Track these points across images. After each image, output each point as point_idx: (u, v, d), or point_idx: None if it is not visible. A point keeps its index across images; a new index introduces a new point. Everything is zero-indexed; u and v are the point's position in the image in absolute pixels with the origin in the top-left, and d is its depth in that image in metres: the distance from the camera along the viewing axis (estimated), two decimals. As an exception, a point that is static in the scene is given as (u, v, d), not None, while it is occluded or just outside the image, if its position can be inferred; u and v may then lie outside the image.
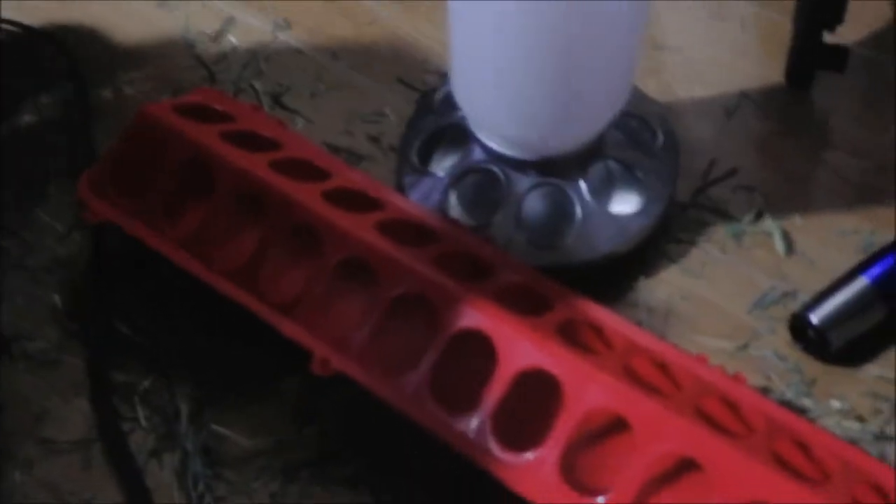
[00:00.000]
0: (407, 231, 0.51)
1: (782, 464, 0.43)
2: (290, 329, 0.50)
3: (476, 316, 0.47)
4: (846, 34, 0.60)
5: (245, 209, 0.52)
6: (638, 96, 0.58)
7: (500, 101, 0.51)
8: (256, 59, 0.65)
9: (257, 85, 0.64)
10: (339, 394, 0.51)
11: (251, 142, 0.54)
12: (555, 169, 0.54)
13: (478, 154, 0.55)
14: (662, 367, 0.48)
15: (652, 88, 0.61)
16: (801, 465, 0.45)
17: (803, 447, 0.45)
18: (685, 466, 0.45)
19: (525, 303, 0.48)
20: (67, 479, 0.50)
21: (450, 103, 0.56)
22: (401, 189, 0.57)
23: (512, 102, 0.51)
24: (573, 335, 0.48)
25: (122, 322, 0.55)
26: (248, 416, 0.52)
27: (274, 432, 0.51)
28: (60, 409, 0.52)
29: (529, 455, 0.45)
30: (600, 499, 0.44)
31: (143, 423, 0.52)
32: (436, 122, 0.58)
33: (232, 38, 0.66)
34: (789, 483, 0.42)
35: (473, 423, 0.46)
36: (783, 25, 0.62)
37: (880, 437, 0.50)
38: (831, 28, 0.59)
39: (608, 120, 0.54)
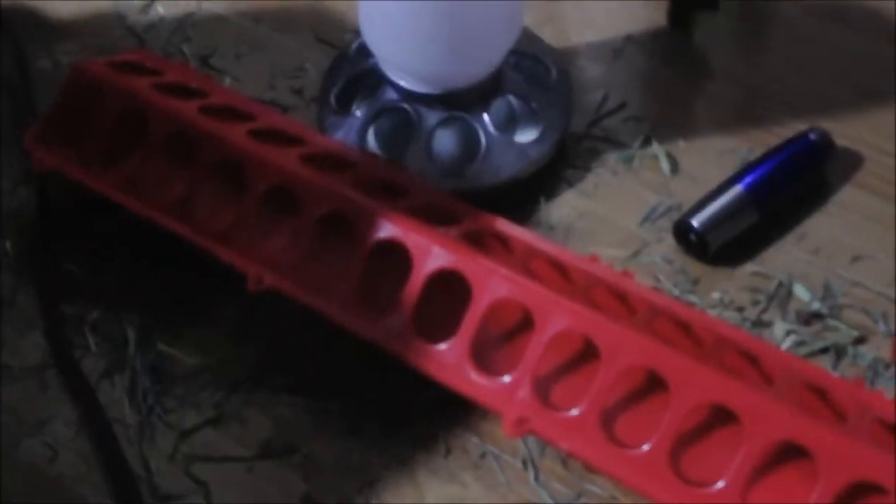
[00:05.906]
0: (327, 162, 0.57)
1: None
2: (225, 254, 0.55)
3: (390, 227, 0.52)
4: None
5: (177, 150, 0.57)
6: (533, 40, 0.64)
7: (403, 39, 0.57)
8: (183, 26, 0.70)
9: (185, 49, 0.69)
10: (273, 314, 0.57)
11: (180, 91, 0.59)
12: (460, 104, 0.60)
13: (390, 94, 0.61)
14: (559, 267, 0.54)
15: (548, 35, 0.67)
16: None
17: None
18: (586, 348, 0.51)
19: (436, 218, 0.54)
20: (25, 401, 0.55)
21: (364, 52, 0.62)
22: (323, 131, 0.62)
23: (413, 40, 0.57)
24: (479, 242, 0.53)
25: (71, 263, 0.59)
26: (191, 337, 0.57)
27: (216, 351, 0.56)
28: (16, 340, 0.57)
29: (444, 345, 0.51)
30: (506, 377, 0.50)
31: (94, 348, 0.56)
32: (352, 69, 0.63)
33: (160, 8, 0.71)
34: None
35: (395, 322, 0.52)
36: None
37: (757, 323, 0.56)
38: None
39: (500, 56, 0.60)
